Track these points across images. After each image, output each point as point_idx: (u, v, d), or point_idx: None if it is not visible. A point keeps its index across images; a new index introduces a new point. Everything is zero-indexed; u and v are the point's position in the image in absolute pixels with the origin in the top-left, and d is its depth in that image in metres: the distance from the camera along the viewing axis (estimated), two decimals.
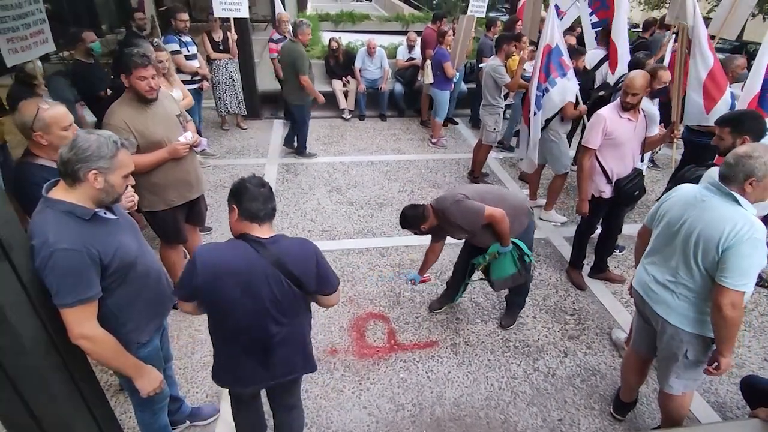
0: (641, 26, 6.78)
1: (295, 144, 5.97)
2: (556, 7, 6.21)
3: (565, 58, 4.13)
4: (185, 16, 5.31)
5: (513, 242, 2.88)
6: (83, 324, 1.58)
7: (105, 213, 1.67)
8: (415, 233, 2.95)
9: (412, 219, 2.84)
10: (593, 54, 5.30)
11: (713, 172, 2.44)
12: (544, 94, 4.20)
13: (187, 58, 5.24)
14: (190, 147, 2.88)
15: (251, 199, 1.68)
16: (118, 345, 1.68)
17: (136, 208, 2.28)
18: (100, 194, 1.61)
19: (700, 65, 3.79)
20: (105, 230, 1.64)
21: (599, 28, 5.47)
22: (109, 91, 4.30)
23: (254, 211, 1.69)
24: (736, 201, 1.89)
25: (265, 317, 1.75)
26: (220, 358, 1.90)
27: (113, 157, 1.59)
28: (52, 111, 2.02)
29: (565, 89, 4.11)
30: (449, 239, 3.09)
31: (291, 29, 6.38)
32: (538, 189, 4.96)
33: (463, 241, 3.16)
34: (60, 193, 1.58)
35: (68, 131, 2.05)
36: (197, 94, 5.37)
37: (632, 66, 4.20)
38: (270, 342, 1.80)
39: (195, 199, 3.12)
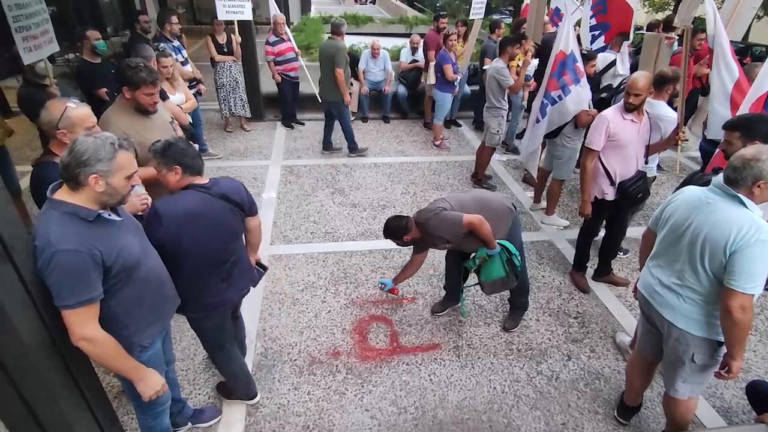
0: (645, 28, 6.77)
1: (333, 145, 6.14)
2: (557, 10, 6.24)
3: (579, 64, 4.03)
4: (176, 20, 5.29)
5: (500, 244, 2.88)
6: (84, 326, 1.57)
7: (109, 215, 1.66)
8: (398, 244, 2.98)
9: (395, 229, 2.87)
10: (602, 58, 5.30)
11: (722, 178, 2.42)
12: (554, 103, 4.10)
13: (181, 64, 5.24)
14: None
15: (192, 157, 2.03)
16: (119, 347, 1.67)
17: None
18: (102, 197, 1.61)
19: (725, 76, 3.70)
20: (108, 232, 1.64)
21: (597, 32, 5.45)
22: (105, 90, 4.31)
23: (198, 167, 2.06)
24: (742, 203, 1.88)
25: (226, 243, 2.18)
26: (188, 293, 2.13)
27: (112, 160, 1.58)
28: (78, 111, 2.09)
29: (580, 96, 4.02)
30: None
31: (287, 33, 6.38)
32: (542, 192, 4.94)
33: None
34: (64, 194, 1.59)
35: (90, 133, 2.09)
36: (195, 98, 5.39)
37: (635, 68, 4.19)
38: (231, 263, 2.22)
39: None
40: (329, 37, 5.55)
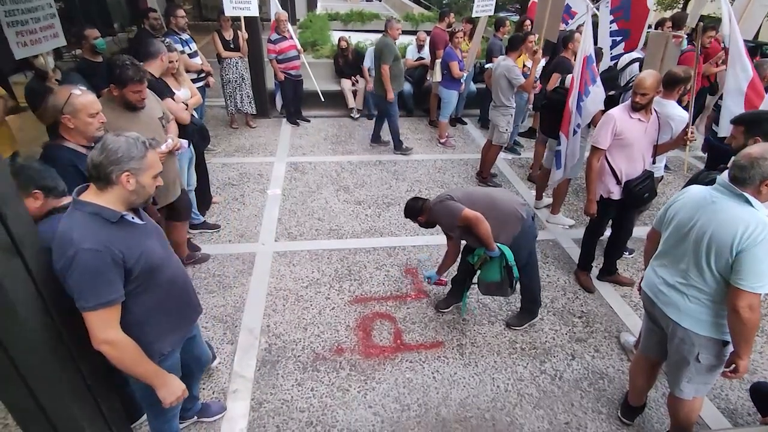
0: (654, 26, 6.72)
1: (382, 138, 6.30)
2: (568, 7, 6.19)
3: (594, 65, 3.99)
4: (183, 13, 5.30)
5: (500, 249, 2.87)
6: (106, 328, 1.55)
7: (132, 218, 1.66)
8: (419, 225, 3.19)
9: (411, 209, 3.13)
10: (627, 56, 5.31)
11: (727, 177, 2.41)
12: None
13: (189, 56, 5.23)
14: (170, 151, 2.95)
15: (53, 177, 1.85)
16: (140, 351, 1.64)
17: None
18: (131, 196, 1.61)
19: (740, 75, 3.70)
20: (131, 234, 1.63)
21: (618, 38, 5.43)
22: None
23: (62, 188, 1.88)
24: (748, 202, 1.87)
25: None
26: None
27: (143, 158, 1.60)
28: (82, 98, 2.14)
29: (597, 96, 3.97)
30: None
31: (289, 31, 6.37)
32: (545, 190, 4.92)
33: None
34: (90, 196, 1.59)
35: (94, 119, 2.18)
36: (202, 90, 5.39)
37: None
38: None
39: (178, 197, 3.22)
40: (383, 35, 5.68)
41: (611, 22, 5.39)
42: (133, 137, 1.61)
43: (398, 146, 6.13)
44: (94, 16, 10.97)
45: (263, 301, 3.46)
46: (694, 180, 2.78)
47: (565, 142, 4.11)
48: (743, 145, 2.43)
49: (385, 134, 6.35)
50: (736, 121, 2.55)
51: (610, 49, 5.50)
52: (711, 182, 2.10)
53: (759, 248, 1.79)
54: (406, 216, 3.19)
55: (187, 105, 3.66)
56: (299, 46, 6.55)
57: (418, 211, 3.08)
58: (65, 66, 5.57)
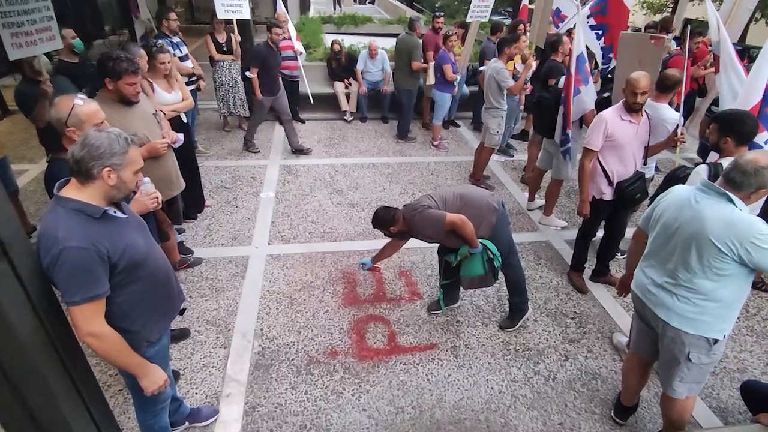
0: (643, 29, 6.81)
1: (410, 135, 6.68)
2: (558, 11, 6.23)
3: (587, 65, 4.00)
4: (174, 16, 5.27)
5: (482, 244, 2.90)
6: (91, 322, 1.59)
7: (114, 212, 1.68)
8: (386, 234, 3.11)
9: (383, 219, 3.01)
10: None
11: (701, 170, 2.48)
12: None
13: (180, 59, 5.20)
14: (168, 144, 2.97)
15: None
16: (124, 343, 1.68)
17: (160, 206, 2.27)
18: (112, 191, 1.62)
19: (735, 82, 3.73)
20: (114, 229, 1.65)
21: (599, 31, 5.47)
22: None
23: None
24: (730, 200, 1.91)
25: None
26: None
27: (125, 154, 1.60)
28: (86, 108, 2.07)
29: (587, 97, 3.99)
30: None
31: (289, 32, 6.38)
32: (537, 191, 4.95)
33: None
34: (71, 191, 1.59)
35: (100, 128, 2.10)
36: (193, 94, 5.35)
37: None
38: None
39: (173, 198, 3.22)
40: (406, 33, 6.26)
41: (588, 16, 5.42)
42: (115, 133, 1.61)
43: (404, 136, 6.63)
44: (86, 18, 10.89)
45: (256, 305, 3.44)
46: (671, 175, 2.84)
47: (571, 134, 4.09)
48: (716, 141, 2.51)
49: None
50: (714, 119, 2.62)
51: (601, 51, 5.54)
52: (686, 177, 2.15)
53: (750, 244, 1.84)
54: (375, 226, 3.07)
55: (165, 113, 3.60)
56: (300, 48, 6.60)
57: (391, 221, 2.98)
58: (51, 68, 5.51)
